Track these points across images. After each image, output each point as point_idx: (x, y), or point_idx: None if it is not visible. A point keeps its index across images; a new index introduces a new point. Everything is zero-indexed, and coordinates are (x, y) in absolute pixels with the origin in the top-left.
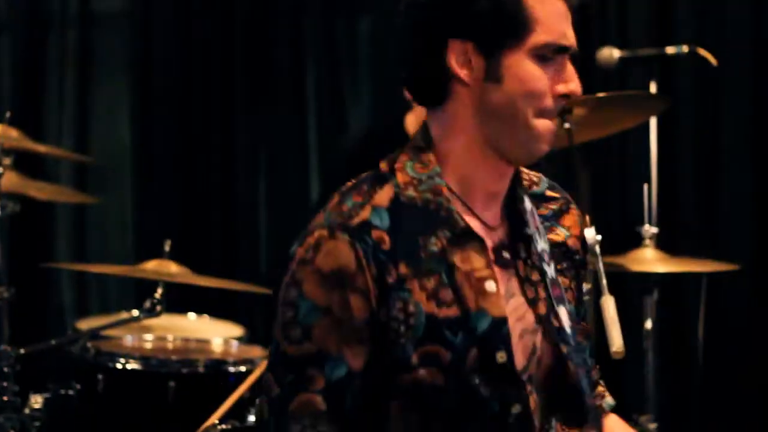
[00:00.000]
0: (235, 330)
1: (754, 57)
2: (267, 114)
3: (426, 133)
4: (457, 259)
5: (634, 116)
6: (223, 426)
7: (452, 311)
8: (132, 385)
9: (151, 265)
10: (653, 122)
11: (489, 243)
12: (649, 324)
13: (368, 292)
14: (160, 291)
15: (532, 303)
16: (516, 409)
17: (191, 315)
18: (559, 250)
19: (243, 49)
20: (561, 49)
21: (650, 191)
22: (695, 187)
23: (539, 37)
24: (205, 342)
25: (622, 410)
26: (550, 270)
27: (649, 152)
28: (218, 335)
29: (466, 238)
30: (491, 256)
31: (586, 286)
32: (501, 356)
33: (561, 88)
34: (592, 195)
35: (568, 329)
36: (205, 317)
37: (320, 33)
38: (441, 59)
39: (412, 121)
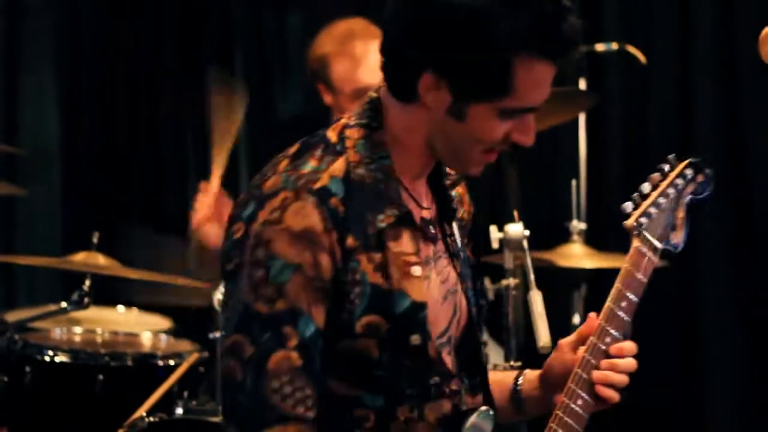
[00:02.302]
0: (164, 323)
1: (681, 55)
2: (195, 106)
3: (377, 111)
4: (391, 238)
5: (564, 113)
6: (151, 419)
7: (386, 286)
8: (60, 378)
9: (79, 257)
10: (582, 119)
11: (418, 219)
12: (576, 319)
13: (333, 253)
14: (87, 283)
15: (454, 265)
16: (434, 380)
17: (120, 307)
18: (460, 224)
19: (171, 41)
20: (528, 110)
21: (579, 187)
22: (623, 183)
23: (511, 102)
24: (134, 335)
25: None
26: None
27: (578, 148)
28: (147, 328)
29: (405, 220)
30: (421, 232)
31: (513, 281)
32: (415, 339)
33: (516, 137)
34: (520, 190)
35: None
36: (134, 310)
37: (249, 25)
38: (415, 76)
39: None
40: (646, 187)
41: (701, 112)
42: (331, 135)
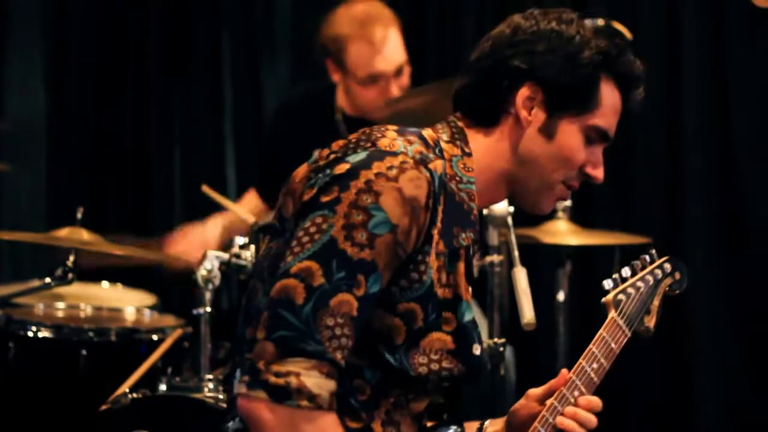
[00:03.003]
0: (148, 299)
1: (668, 30)
2: (182, 83)
3: (465, 139)
4: (462, 257)
5: None
6: (134, 395)
7: (441, 293)
8: (43, 353)
9: (64, 233)
10: None
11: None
12: (561, 296)
13: (421, 231)
14: (72, 259)
15: None
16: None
17: (104, 283)
18: None
19: (159, 19)
20: (605, 138)
21: None
22: (608, 159)
23: (597, 119)
24: (118, 311)
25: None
26: None
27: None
28: (131, 304)
29: (472, 249)
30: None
31: (498, 258)
32: (476, 348)
33: (589, 170)
34: None
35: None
36: (118, 286)
37: (236, 5)
38: (511, 92)
39: (342, 96)
40: (626, 271)
41: (688, 88)
42: (427, 136)
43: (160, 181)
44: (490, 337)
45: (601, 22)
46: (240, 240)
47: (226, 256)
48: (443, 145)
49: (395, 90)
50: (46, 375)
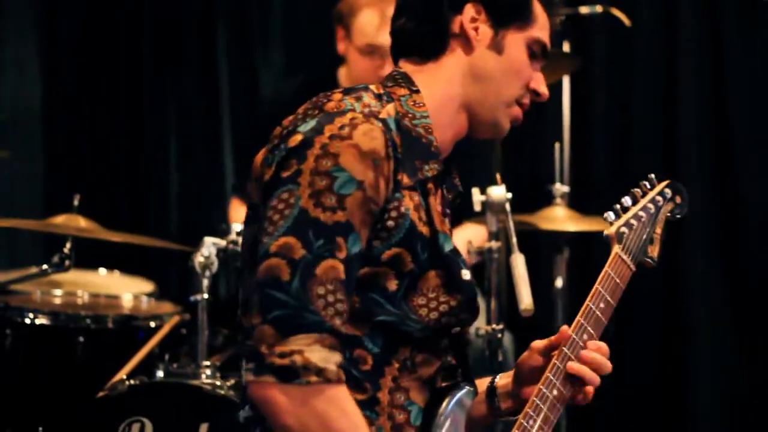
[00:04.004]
0: (145, 286)
1: (665, 17)
2: (177, 72)
3: (409, 81)
4: (430, 190)
5: (547, 75)
6: (131, 381)
7: (424, 230)
8: (41, 340)
9: (60, 220)
10: (566, 81)
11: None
12: (559, 282)
13: (389, 180)
14: (68, 245)
15: None
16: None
17: (101, 270)
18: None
19: (151, 8)
20: (544, 52)
21: (562, 150)
22: (606, 146)
23: (537, 32)
24: (115, 298)
25: None
26: None
27: (561, 111)
28: (128, 291)
29: (441, 179)
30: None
31: (496, 244)
32: (465, 274)
33: (535, 85)
34: (503, 153)
35: None
36: (116, 273)
37: None
38: (452, 17)
39: (344, 74)
40: (627, 200)
41: (686, 74)
42: (373, 88)
43: (156, 168)
44: (488, 323)
45: (599, 8)
46: (238, 226)
47: (223, 242)
48: (389, 89)
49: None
50: (43, 362)
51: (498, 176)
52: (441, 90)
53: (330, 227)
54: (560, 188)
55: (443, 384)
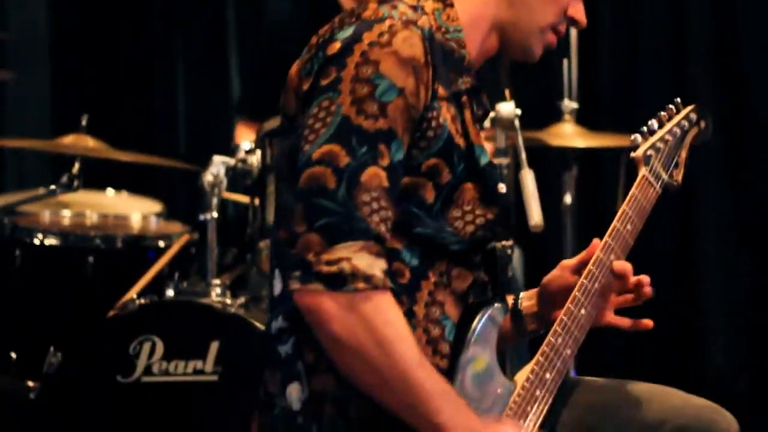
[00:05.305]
0: (154, 206)
1: None
2: None
3: None
4: (466, 103)
5: None
6: (142, 300)
7: (461, 142)
8: (50, 261)
9: (68, 140)
10: None
11: None
12: (568, 199)
13: (428, 87)
14: (77, 166)
15: None
16: (502, 242)
17: (109, 191)
18: None
19: None
20: None
21: (570, 66)
22: (614, 63)
23: None
24: (124, 218)
25: None
26: None
27: (569, 27)
28: (137, 211)
29: (475, 92)
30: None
31: (505, 161)
32: (501, 187)
33: (572, 12)
34: (511, 69)
35: None
36: (124, 193)
37: None
38: None
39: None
40: (653, 123)
41: None
42: (408, 0)
43: (163, 87)
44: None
45: None
46: (246, 145)
47: (232, 161)
48: (422, 3)
49: None
50: (52, 282)
51: (507, 92)
52: (475, 8)
53: (373, 134)
54: (569, 104)
55: (475, 300)
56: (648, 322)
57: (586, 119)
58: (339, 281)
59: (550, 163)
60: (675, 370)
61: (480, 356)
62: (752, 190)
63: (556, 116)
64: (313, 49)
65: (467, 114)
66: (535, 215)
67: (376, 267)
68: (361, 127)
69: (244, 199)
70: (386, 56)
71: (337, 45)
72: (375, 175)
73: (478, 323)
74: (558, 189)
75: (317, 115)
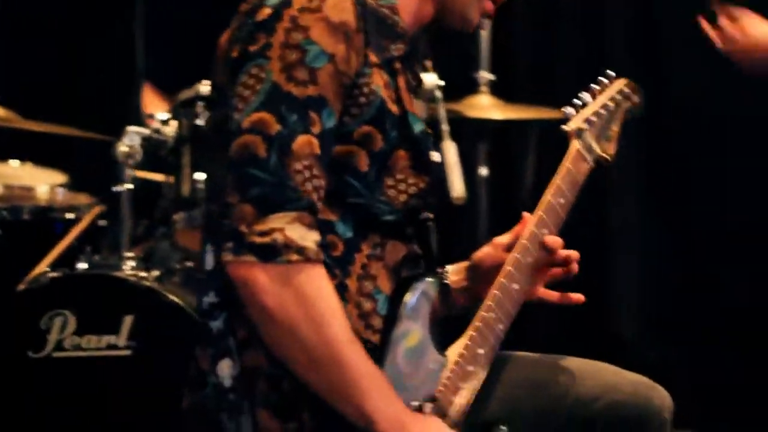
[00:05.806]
0: (59, 177)
1: None
2: None
3: None
4: (398, 70)
5: None
6: (53, 273)
7: (394, 108)
8: None
9: None
10: None
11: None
12: (484, 171)
13: (360, 53)
14: None
15: None
16: (415, 202)
17: (13, 162)
18: None
19: None
20: None
21: (485, 37)
22: (530, 33)
23: None
24: (30, 189)
25: (459, 257)
26: None
27: None
28: (43, 182)
29: (408, 59)
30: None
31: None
32: (435, 156)
33: None
34: (430, 41)
35: None
36: (29, 164)
37: None
38: None
39: None
40: (586, 96)
41: None
42: None
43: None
44: None
45: None
46: (161, 115)
47: (147, 131)
48: None
49: None
50: None
51: (429, 63)
52: None
53: (303, 101)
54: (485, 75)
55: (408, 274)
56: (578, 296)
57: (501, 90)
58: (272, 252)
59: (465, 135)
60: (585, 342)
61: (413, 331)
62: (667, 161)
63: (473, 88)
64: (242, 16)
65: (401, 81)
66: (458, 187)
67: (309, 239)
68: (291, 94)
69: (156, 177)
70: (316, 22)
71: (266, 11)
72: (307, 142)
73: (412, 297)
74: (473, 161)
75: (246, 82)
